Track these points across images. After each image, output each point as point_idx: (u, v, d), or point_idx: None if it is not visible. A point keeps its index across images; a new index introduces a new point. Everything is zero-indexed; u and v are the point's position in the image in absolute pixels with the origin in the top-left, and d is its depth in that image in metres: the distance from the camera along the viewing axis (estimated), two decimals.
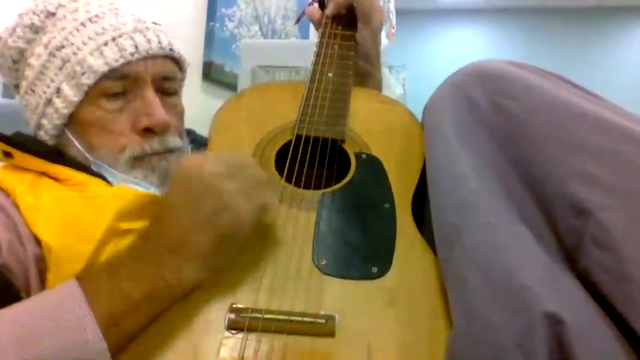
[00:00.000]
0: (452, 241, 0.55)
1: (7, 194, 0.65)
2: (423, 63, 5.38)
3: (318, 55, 0.86)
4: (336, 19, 0.91)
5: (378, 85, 0.93)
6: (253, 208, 0.57)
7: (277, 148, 0.73)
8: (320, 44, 0.88)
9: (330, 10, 0.92)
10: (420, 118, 0.76)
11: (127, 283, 0.52)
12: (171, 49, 0.75)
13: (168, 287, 0.54)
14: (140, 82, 0.71)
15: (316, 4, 0.97)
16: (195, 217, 0.55)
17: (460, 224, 0.55)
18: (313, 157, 0.72)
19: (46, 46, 0.71)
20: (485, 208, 0.54)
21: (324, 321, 0.53)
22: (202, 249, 0.55)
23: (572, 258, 0.50)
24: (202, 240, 0.55)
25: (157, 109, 0.70)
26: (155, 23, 0.75)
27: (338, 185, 0.68)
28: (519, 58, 0.65)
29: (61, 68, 0.70)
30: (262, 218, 0.60)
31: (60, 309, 0.51)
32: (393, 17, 2.61)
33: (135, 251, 0.56)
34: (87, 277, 0.54)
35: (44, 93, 0.71)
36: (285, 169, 0.69)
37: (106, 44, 0.69)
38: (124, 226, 0.64)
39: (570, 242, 0.50)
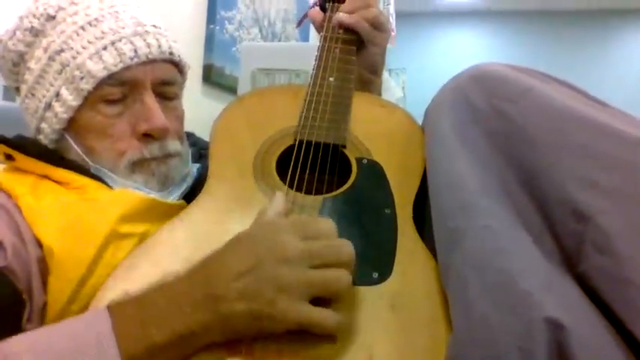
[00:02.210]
0: (452, 245, 0.55)
1: (9, 196, 0.65)
2: (423, 66, 5.38)
3: (319, 59, 0.86)
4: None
5: (378, 92, 0.94)
6: (302, 318, 0.50)
7: (278, 153, 0.73)
8: (321, 48, 0.87)
9: (333, 22, 0.91)
10: (420, 120, 0.76)
11: (153, 326, 0.50)
12: (171, 53, 0.75)
13: (193, 338, 0.51)
14: (139, 86, 0.71)
15: (317, 7, 0.96)
16: (245, 284, 0.50)
17: (460, 228, 0.55)
18: (314, 163, 0.72)
19: (45, 50, 0.71)
20: (485, 211, 0.54)
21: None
22: (236, 315, 0.50)
23: (571, 262, 0.50)
24: (240, 308, 0.50)
25: (156, 114, 0.70)
26: (155, 26, 0.75)
27: (339, 190, 0.68)
28: (519, 61, 0.65)
29: (60, 72, 0.70)
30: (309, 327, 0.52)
31: (86, 340, 0.50)
32: (392, 20, 2.62)
33: (168, 291, 0.52)
34: (117, 311, 0.52)
35: (44, 97, 0.71)
36: (288, 175, 0.69)
37: (105, 48, 0.69)
38: (125, 229, 0.64)
39: (570, 246, 0.50)
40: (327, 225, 0.55)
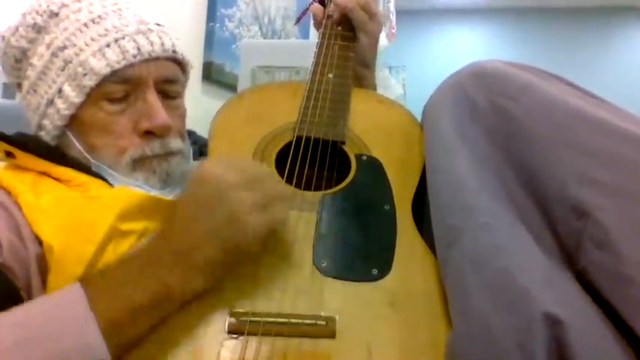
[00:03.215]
0: (451, 242, 0.55)
1: (9, 193, 0.65)
2: (423, 63, 5.38)
3: (318, 55, 0.86)
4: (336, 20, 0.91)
5: (372, 87, 0.94)
6: (266, 224, 0.56)
7: (277, 149, 0.73)
8: (320, 45, 0.88)
9: (329, 9, 0.92)
10: (420, 118, 0.76)
11: (130, 289, 0.52)
12: (174, 51, 0.75)
13: (172, 294, 0.53)
14: (142, 84, 0.71)
15: (317, 3, 0.96)
16: (205, 227, 0.55)
17: (459, 225, 0.55)
18: (314, 159, 0.72)
19: (48, 47, 0.71)
20: (484, 209, 0.55)
21: (324, 322, 0.53)
22: (209, 260, 0.54)
23: (571, 259, 0.50)
24: (209, 251, 0.54)
25: (158, 112, 0.70)
26: (158, 24, 0.75)
27: (338, 187, 0.68)
28: (519, 59, 0.65)
29: (63, 69, 0.70)
30: (273, 232, 0.58)
31: (62, 312, 0.51)
32: (393, 18, 2.61)
33: (139, 255, 0.55)
34: (90, 281, 0.53)
35: (46, 93, 0.71)
36: (286, 170, 0.69)
37: (108, 46, 0.69)
38: (126, 226, 0.64)
39: (569, 243, 0.51)
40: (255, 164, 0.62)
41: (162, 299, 0.53)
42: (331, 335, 0.52)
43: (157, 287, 0.52)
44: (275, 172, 0.68)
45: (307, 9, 1.00)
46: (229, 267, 0.56)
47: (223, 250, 0.54)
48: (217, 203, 0.55)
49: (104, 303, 0.51)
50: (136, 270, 0.54)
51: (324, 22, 0.92)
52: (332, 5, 0.91)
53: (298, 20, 1.21)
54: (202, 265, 0.54)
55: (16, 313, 0.51)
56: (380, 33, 0.92)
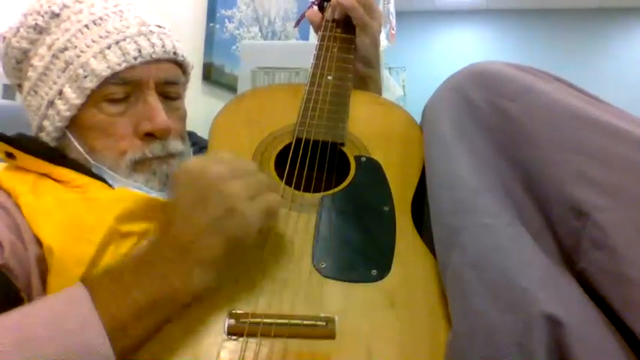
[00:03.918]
0: (450, 243, 0.55)
1: (9, 195, 0.65)
2: (423, 64, 5.38)
3: (317, 58, 0.86)
4: (336, 22, 0.92)
5: (378, 89, 0.94)
6: (260, 211, 0.56)
7: (277, 150, 0.73)
8: (320, 47, 0.88)
9: (328, 14, 0.92)
10: (420, 119, 0.76)
11: (134, 289, 0.51)
12: (175, 53, 0.75)
13: (176, 293, 0.53)
14: (143, 86, 0.71)
15: (316, 7, 0.97)
16: (203, 220, 0.54)
17: (459, 225, 0.55)
18: (313, 160, 0.72)
19: (49, 48, 0.71)
20: (483, 209, 0.55)
21: (324, 323, 0.53)
22: (211, 252, 0.54)
23: (570, 259, 0.50)
24: (211, 243, 0.54)
25: (159, 114, 0.71)
26: (159, 26, 0.75)
27: (338, 188, 0.68)
28: (519, 60, 0.65)
29: (64, 70, 0.70)
30: (269, 221, 0.59)
31: (65, 312, 0.50)
32: (392, 19, 2.62)
33: (141, 256, 0.55)
34: (93, 281, 0.53)
35: (46, 95, 0.71)
36: (285, 172, 0.69)
37: (109, 48, 0.69)
38: (126, 228, 0.64)
39: (569, 243, 0.51)
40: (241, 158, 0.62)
41: (166, 298, 0.52)
42: (331, 336, 0.52)
43: (160, 287, 0.52)
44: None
45: (305, 14, 1.00)
46: (231, 261, 0.56)
47: (223, 241, 0.54)
48: (210, 196, 0.55)
49: (108, 303, 0.51)
50: (138, 270, 0.53)
51: (323, 24, 0.92)
52: (331, 6, 0.91)
53: (297, 24, 1.21)
54: (204, 260, 0.54)
55: (18, 314, 0.51)
56: (380, 32, 0.92)
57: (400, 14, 2.87)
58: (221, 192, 0.55)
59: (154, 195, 0.70)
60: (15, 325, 0.49)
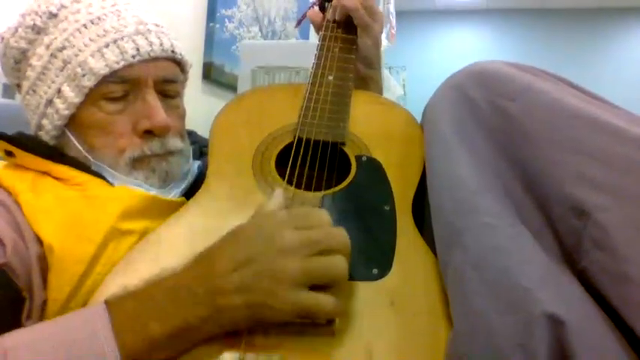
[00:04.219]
0: (451, 242, 0.55)
1: (9, 193, 0.65)
2: (423, 64, 5.38)
3: (318, 57, 0.86)
4: (337, 22, 0.92)
5: (379, 89, 0.94)
6: (298, 309, 0.51)
7: (278, 150, 0.73)
8: (321, 47, 0.88)
9: (330, 15, 0.92)
10: (420, 118, 0.76)
11: (154, 320, 0.50)
12: (173, 51, 0.75)
13: (191, 332, 0.51)
14: (141, 84, 0.71)
15: (317, 7, 0.97)
16: (242, 276, 0.51)
17: (460, 225, 0.55)
18: (314, 160, 0.72)
19: (47, 47, 0.71)
20: (484, 209, 0.55)
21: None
22: (232, 314, 0.51)
23: (571, 258, 0.50)
24: (237, 304, 0.50)
25: (157, 111, 0.71)
26: (157, 25, 0.75)
27: (338, 187, 0.68)
28: (519, 59, 0.65)
29: (62, 69, 0.70)
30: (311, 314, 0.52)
31: (84, 335, 0.50)
32: (393, 19, 2.62)
33: (170, 283, 0.52)
34: (116, 306, 0.52)
35: (45, 94, 0.71)
36: (287, 172, 0.69)
37: (107, 46, 0.69)
38: (126, 226, 0.64)
39: (569, 243, 0.51)
40: (322, 215, 0.56)
41: (182, 334, 0.51)
42: (331, 335, 0.52)
43: (178, 323, 0.50)
44: (274, 172, 0.68)
45: (306, 14, 1.00)
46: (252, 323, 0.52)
47: (250, 314, 0.51)
48: (264, 256, 0.51)
49: (127, 332, 0.50)
50: (162, 300, 0.51)
51: (324, 24, 0.92)
52: (333, 7, 0.91)
53: (298, 24, 1.21)
54: (226, 310, 0.50)
55: (37, 332, 0.51)
56: (381, 33, 0.92)
57: (400, 14, 2.88)
58: (275, 267, 0.51)
59: (154, 192, 0.70)
60: (33, 342, 0.50)
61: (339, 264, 0.52)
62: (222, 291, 0.50)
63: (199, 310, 0.50)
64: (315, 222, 0.55)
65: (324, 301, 0.51)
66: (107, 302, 0.52)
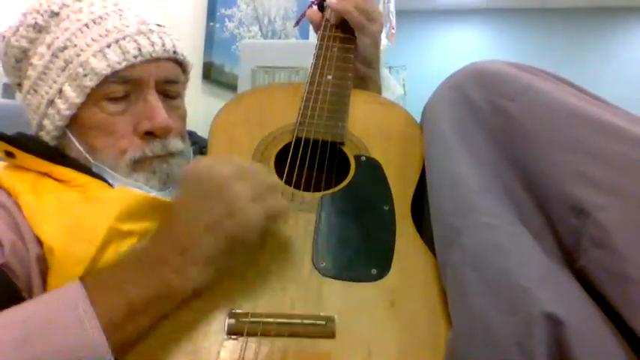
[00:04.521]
0: (451, 242, 0.56)
1: (9, 194, 0.65)
2: (423, 63, 5.38)
3: (317, 57, 0.86)
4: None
5: (377, 88, 0.94)
6: (263, 213, 0.57)
7: (277, 150, 0.73)
8: (319, 47, 0.88)
9: (328, 14, 0.92)
10: (420, 118, 0.76)
11: (130, 287, 0.52)
12: (175, 52, 0.75)
13: (172, 290, 0.53)
14: (143, 85, 0.71)
15: (316, 7, 0.97)
16: (204, 220, 0.55)
17: (459, 225, 0.55)
18: (313, 160, 0.72)
19: (49, 47, 0.71)
20: (484, 208, 0.55)
21: (323, 322, 0.53)
22: (209, 252, 0.55)
23: (570, 257, 0.51)
24: (210, 242, 0.55)
25: (159, 112, 0.70)
26: (159, 25, 0.75)
27: (337, 187, 0.68)
28: (519, 59, 0.65)
29: (63, 69, 0.70)
30: (271, 223, 0.59)
31: (62, 309, 0.51)
32: (392, 18, 2.62)
33: (140, 253, 0.55)
34: (90, 279, 0.53)
35: (46, 94, 0.71)
36: (285, 171, 0.69)
37: (109, 46, 0.69)
38: (126, 227, 0.64)
39: (569, 242, 0.51)
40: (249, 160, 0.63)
41: (162, 297, 0.53)
42: (331, 335, 0.52)
43: (156, 285, 0.53)
44: (273, 169, 0.69)
45: (305, 13, 1.00)
46: (229, 262, 0.56)
47: (223, 241, 0.55)
48: (215, 196, 0.56)
49: (104, 301, 0.51)
50: (136, 268, 0.54)
51: (323, 23, 0.92)
52: (329, 10, 0.91)
53: (297, 23, 1.21)
54: (202, 261, 0.55)
55: (15, 312, 0.51)
56: (381, 32, 0.92)
57: (400, 13, 2.87)
58: (225, 193, 0.56)
59: (154, 194, 0.70)
60: (13, 323, 0.50)
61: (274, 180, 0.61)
62: (191, 242, 0.55)
63: (175, 267, 0.54)
64: (254, 172, 0.59)
65: (276, 199, 0.59)
66: (82, 277, 0.54)
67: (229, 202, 0.55)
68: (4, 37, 0.74)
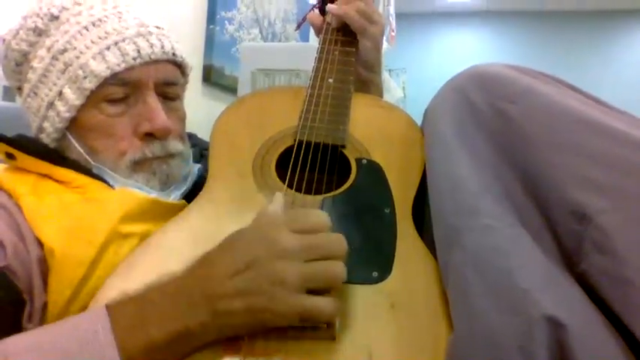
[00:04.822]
0: (451, 244, 0.55)
1: (10, 195, 0.65)
2: (423, 66, 5.39)
3: (318, 60, 0.86)
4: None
5: (379, 92, 0.94)
6: (304, 311, 0.50)
7: (278, 153, 0.73)
8: (321, 50, 0.88)
9: (329, 18, 0.92)
10: (420, 120, 0.76)
11: (154, 324, 0.50)
12: (174, 54, 0.75)
13: (191, 338, 0.51)
14: (142, 87, 0.71)
15: (317, 10, 0.97)
16: (241, 281, 0.50)
17: (460, 227, 0.55)
18: (314, 163, 0.72)
19: (49, 50, 0.71)
20: (484, 210, 0.55)
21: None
22: (235, 320, 0.50)
23: (571, 261, 0.50)
24: (236, 310, 0.50)
25: (158, 114, 0.71)
26: (158, 27, 0.75)
27: (338, 190, 0.68)
28: (519, 61, 0.66)
29: (63, 72, 0.70)
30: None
31: (86, 338, 0.50)
32: (392, 21, 2.62)
33: (169, 289, 0.52)
34: (116, 308, 0.52)
35: (46, 96, 0.71)
36: (287, 175, 0.69)
37: (108, 49, 0.69)
38: (126, 229, 0.64)
39: (570, 245, 0.51)
40: (321, 217, 0.56)
41: (182, 339, 0.51)
42: (331, 338, 0.52)
43: (179, 328, 0.50)
44: (275, 175, 0.68)
45: (306, 17, 1.00)
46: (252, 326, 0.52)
47: (251, 319, 0.50)
48: (264, 260, 0.51)
49: (127, 334, 0.50)
50: (160, 304, 0.51)
51: (324, 27, 0.92)
52: (330, 14, 0.91)
53: (298, 27, 1.21)
54: (226, 315, 0.50)
55: (38, 336, 0.51)
56: (382, 35, 0.92)
57: (400, 16, 2.88)
58: (274, 271, 0.50)
59: (155, 195, 0.70)
60: (33, 347, 0.50)
61: (337, 269, 0.52)
62: (222, 296, 0.50)
63: (199, 316, 0.50)
64: (315, 225, 0.54)
65: (323, 303, 0.51)
66: (108, 306, 0.52)
67: (272, 282, 0.50)
68: (4, 40, 0.74)
